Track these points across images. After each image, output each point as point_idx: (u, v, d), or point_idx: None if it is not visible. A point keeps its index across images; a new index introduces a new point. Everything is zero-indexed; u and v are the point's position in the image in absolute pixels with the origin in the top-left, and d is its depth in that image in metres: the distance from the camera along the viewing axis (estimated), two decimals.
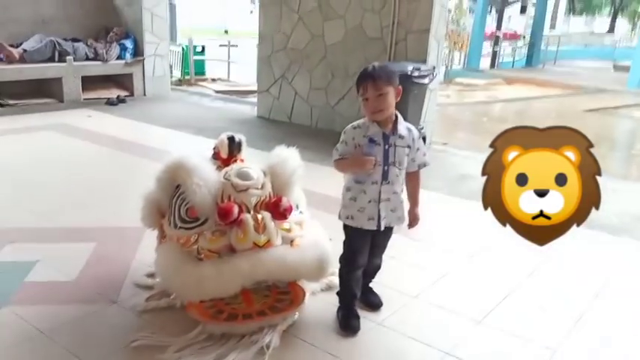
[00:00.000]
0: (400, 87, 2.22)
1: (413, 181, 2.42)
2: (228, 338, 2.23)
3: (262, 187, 2.43)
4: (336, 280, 2.74)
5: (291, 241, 2.43)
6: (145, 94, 8.06)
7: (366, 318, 2.46)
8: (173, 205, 2.48)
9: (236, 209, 2.30)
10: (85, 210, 3.60)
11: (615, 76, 16.34)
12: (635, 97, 12.50)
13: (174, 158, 2.45)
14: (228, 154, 2.66)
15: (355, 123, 2.34)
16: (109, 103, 7.34)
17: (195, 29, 25.80)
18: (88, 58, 7.46)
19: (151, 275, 2.71)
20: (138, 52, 7.93)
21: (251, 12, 16.10)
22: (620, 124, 9.98)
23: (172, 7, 14.50)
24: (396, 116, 2.27)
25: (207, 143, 5.60)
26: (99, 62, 7.52)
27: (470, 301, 2.66)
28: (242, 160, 2.71)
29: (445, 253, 3.22)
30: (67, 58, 7.14)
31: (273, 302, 2.43)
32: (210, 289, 2.21)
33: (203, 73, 13.32)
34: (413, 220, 2.44)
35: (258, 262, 2.22)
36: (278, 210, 2.39)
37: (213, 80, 11.43)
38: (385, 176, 2.28)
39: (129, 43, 7.80)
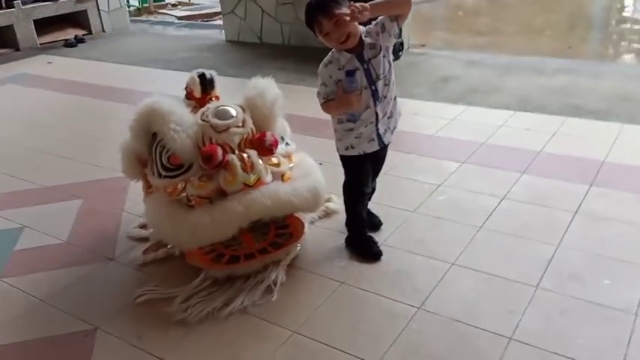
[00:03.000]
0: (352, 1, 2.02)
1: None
2: (233, 281, 2.21)
3: (243, 124, 2.32)
4: (332, 205, 2.72)
5: (282, 175, 2.36)
6: (103, 31, 7.61)
7: None
8: (153, 154, 2.37)
9: (220, 151, 2.20)
10: (64, 165, 3.47)
11: None
12: None
13: (146, 104, 2.31)
14: (201, 92, 2.51)
15: (325, 59, 2.21)
16: (68, 44, 6.92)
17: None
18: (36, 0, 6.94)
19: (144, 226, 2.66)
20: None
21: None
22: (595, 2, 9.71)
23: None
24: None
25: (177, 77, 5.39)
26: (49, 2, 7.01)
27: (469, 209, 2.65)
28: (217, 97, 2.58)
29: (437, 162, 3.17)
30: (15, 2, 6.64)
31: (273, 238, 2.39)
32: (206, 236, 2.16)
33: None
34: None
35: (251, 202, 2.16)
36: (263, 146, 2.30)
37: (174, 5, 10.81)
38: (376, 96, 2.16)
39: None
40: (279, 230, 2.43)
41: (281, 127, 2.57)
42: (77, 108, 4.67)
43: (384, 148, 2.36)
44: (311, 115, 4.02)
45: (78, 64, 6.13)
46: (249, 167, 2.21)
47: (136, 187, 2.92)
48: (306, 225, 2.51)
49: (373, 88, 2.15)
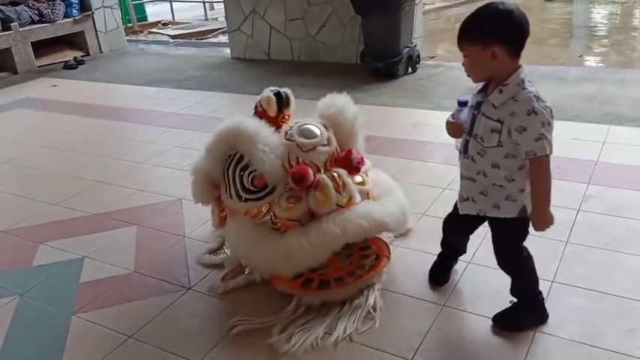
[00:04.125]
0: (499, 46, 1.63)
1: (530, 173, 1.73)
2: (328, 307, 2.10)
3: (329, 143, 2.25)
4: (409, 223, 2.64)
5: (367, 194, 2.29)
6: (101, 52, 7.45)
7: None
8: (230, 177, 2.27)
9: (311, 171, 2.12)
10: (105, 191, 3.32)
11: None
12: None
13: (229, 125, 2.21)
14: (277, 111, 2.43)
15: None
16: (68, 67, 6.74)
17: None
18: (33, 22, 6.76)
19: (213, 251, 2.54)
20: (85, 6, 7.23)
21: None
22: (591, 12, 9.95)
23: None
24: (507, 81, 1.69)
25: (193, 96, 5.30)
26: (46, 24, 6.83)
27: None
28: (289, 117, 2.49)
29: None
30: (12, 25, 6.44)
31: (358, 260, 2.30)
32: (303, 261, 2.06)
33: (145, 18, 12.47)
34: (535, 222, 1.78)
35: (347, 224, 2.07)
36: (351, 164, 2.22)
37: (165, 24, 10.68)
38: (465, 148, 1.86)
39: None
40: (362, 252, 2.34)
41: (360, 143, 2.50)
42: (97, 131, 4.50)
43: (479, 220, 1.94)
44: None
45: (84, 86, 5.96)
46: (341, 187, 2.14)
47: (191, 210, 2.82)
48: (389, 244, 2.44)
49: (467, 138, 1.84)
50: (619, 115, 3.85)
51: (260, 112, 2.49)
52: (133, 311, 2.20)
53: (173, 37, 9.18)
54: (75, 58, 6.97)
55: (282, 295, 2.17)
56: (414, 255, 2.45)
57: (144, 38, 9.27)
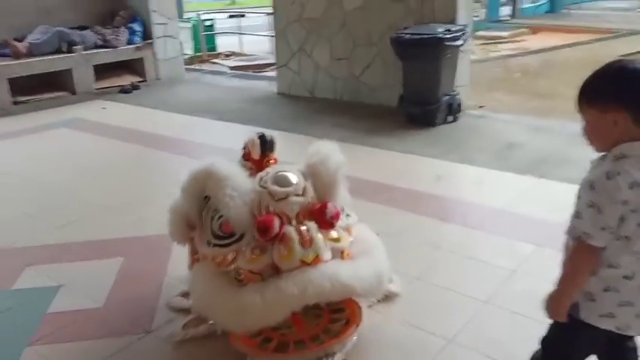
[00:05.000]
0: (621, 112, 1.35)
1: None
2: None
3: (304, 193, 2.11)
4: (392, 287, 2.44)
5: (342, 252, 2.12)
6: (158, 78, 7.72)
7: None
8: (203, 219, 2.19)
9: (277, 222, 1.99)
10: (109, 218, 3.33)
11: None
12: None
13: (201, 167, 2.14)
14: (260, 154, 2.33)
15: (605, 166, 1.38)
16: (123, 91, 7.02)
17: (202, 2, 25.18)
18: (97, 46, 7.12)
19: (186, 294, 2.43)
20: (147, 34, 7.56)
21: None
22: None
23: None
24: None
25: (230, 129, 5.33)
26: (109, 49, 7.18)
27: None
28: (275, 161, 2.39)
29: (510, 243, 2.87)
30: (76, 47, 6.81)
31: (326, 323, 2.14)
32: (255, 319, 1.92)
33: (214, 49, 12.94)
34: (545, 300, 1.52)
35: (308, 284, 1.91)
36: (324, 218, 2.07)
37: (227, 56, 11.03)
38: None
39: (137, 26, 7.43)
40: (333, 314, 2.17)
41: (342, 196, 2.35)
42: (127, 156, 4.60)
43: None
44: (366, 177, 3.82)
45: (131, 110, 6.17)
46: (307, 242, 1.98)
47: (181, 248, 2.74)
48: (364, 309, 2.25)
49: None
50: None
51: (247, 154, 2.41)
52: (85, 350, 2.13)
53: (231, 68, 9.43)
54: (132, 83, 7.26)
55: (239, 352, 2.03)
56: (394, 325, 2.24)
57: (205, 68, 9.58)
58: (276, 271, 2.00)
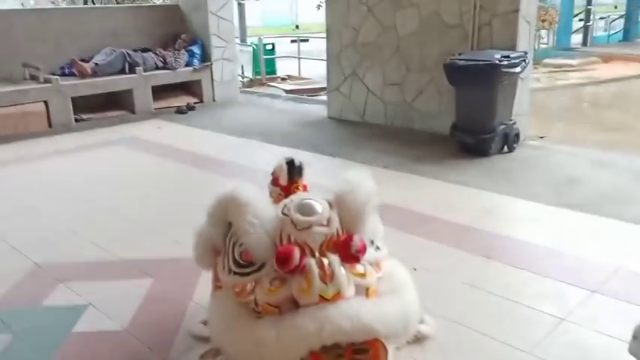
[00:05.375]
0: None
1: None
2: None
3: (328, 223, 2.00)
4: (424, 329, 2.27)
5: (367, 289, 1.98)
6: (214, 100, 7.88)
7: None
8: (227, 245, 2.12)
9: (297, 253, 1.88)
10: (146, 237, 3.34)
11: None
12: None
13: (225, 192, 2.07)
14: (288, 180, 2.25)
15: None
16: (179, 111, 7.20)
17: (267, 26, 25.86)
18: (157, 68, 7.36)
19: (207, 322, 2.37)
20: (206, 57, 7.75)
21: (318, 7, 15.76)
22: None
23: (241, 7, 14.44)
24: None
25: (276, 151, 5.32)
26: (168, 71, 7.40)
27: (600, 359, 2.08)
28: (304, 187, 2.31)
29: (561, 287, 2.63)
30: (137, 68, 7.07)
31: None
32: (269, 355, 1.81)
33: (274, 72, 13.17)
34: None
35: (326, 322, 1.79)
36: (349, 251, 1.95)
37: (283, 79, 11.17)
38: None
39: (196, 49, 7.63)
40: (356, 355, 2.01)
41: (372, 228, 2.22)
42: (174, 176, 4.65)
43: None
44: (408, 207, 3.66)
45: (184, 131, 6.29)
46: (328, 276, 1.86)
47: (209, 273, 2.69)
48: (391, 351, 2.09)
49: None
50: None
51: (275, 179, 2.33)
52: None
53: (287, 91, 9.54)
54: (188, 103, 7.43)
55: None
56: None
57: (261, 91, 9.73)
58: (295, 305, 1.89)
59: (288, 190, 2.25)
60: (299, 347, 1.79)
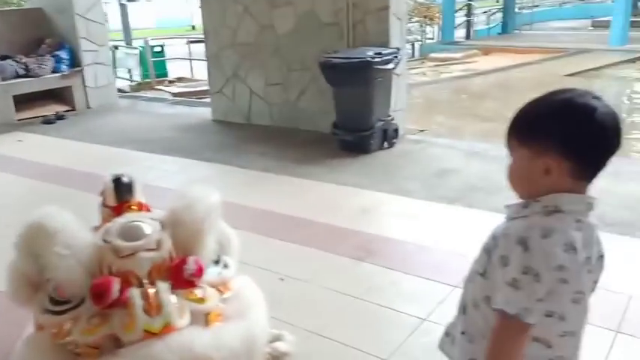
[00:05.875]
0: (557, 159, 1.04)
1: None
2: None
3: (158, 247, 1.77)
4: (281, 347, 2.11)
5: (207, 315, 1.77)
6: (88, 107, 7.30)
7: None
8: (43, 281, 1.82)
9: (117, 285, 1.64)
10: None
11: (595, 35, 15.74)
12: (618, 55, 11.92)
13: (31, 220, 1.77)
14: (116, 200, 1.99)
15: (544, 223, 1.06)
16: (46, 121, 6.58)
17: (161, 27, 24.83)
18: (18, 76, 6.68)
19: None
20: (76, 62, 7.15)
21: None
22: (608, 87, 9.38)
23: (123, 8, 13.66)
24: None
25: (150, 160, 4.97)
26: (32, 78, 6.74)
27: None
28: (141, 206, 2.05)
29: (426, 285, 2.57)
30: None
31: None
32: None
33: (165, 75, 12.57)
34: None
35: None
36: (182, 276, 1.73)
37: (171, 82, 10.68)
38: None
39: (64, 54, 7.01)
40: None
41: (219, 243, 2.02)
42: (32, 196, 4.17)
43: None
44: (284, 212, 3.51)
45: (49, 143, 5.74)
46: (154, 308, 1.64)
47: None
48: None
49: None
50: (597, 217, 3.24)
51: (104, 202, 2.06)
52: None
53: (174, 94, 9.08)
54: (57, 112, 6.82)
55: None
56: None
57: (146, 95, 9.20)
58: (118, 344, 1.64)
59: (119, 211, 1.98)
60: None
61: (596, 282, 1.17)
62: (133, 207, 2.01)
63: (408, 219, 3.38)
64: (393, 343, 2.13)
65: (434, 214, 3.43)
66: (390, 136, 4.89)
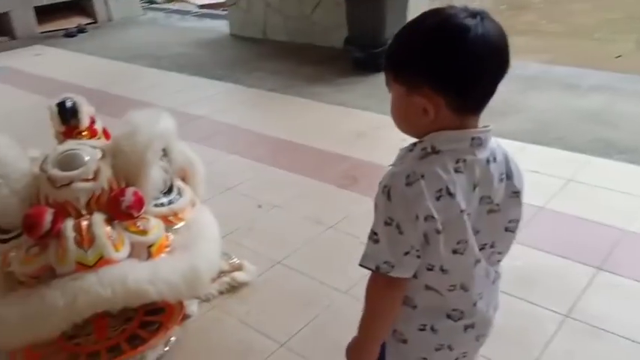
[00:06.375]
0: (430, 94, 0.89)
1: None
2: None
3: (95, 177, 1.71)
4: (240, 277, 2.09)
5: (149, 247, 1.74)
6: (110, 20, 7.19)
7: None
8: None
9: (48, 216, 1.61)
10: None
11: None
12: None
13: None
14: (63, 126, 1.93)
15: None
16: (67, 35, 6.53)
17: None
18: None
19: None
20: None
21: None
22: None
23: None
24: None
25: (159, 77, 4.89)
26: None
27: None
28: (93, 132, 1.98)
29: None
30: None
31: (135, 328, 1.79)
32: (13, 337, 1.58)
33: None
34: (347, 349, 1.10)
35: (79, 293, 1.55)
36: (119, 208, 1.69)
37: None
38: None
39: None
40: (147, 316, 1.82)
41: (182, 170, 1.99)
42: (30, 111, 4.17)
43: None
44: (278, 136, 3.40)
45: (64, 57, 5.71)
46: (86, 241, 1.61)
47: None
48: (191, 308, 1.91)
49: None
50: (610, 143, 2.98)
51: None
52: None
53: (200, 6, 8.80)
54: (78, 25, 6.76)
55: None
56: (228, 324, 1.91)
57: (171, 7, 8.96)
58: (54, 276, 1.64)
59: (69, 137, 1.93)
60: (47, 326, 1.56)
61: (513, 221, 1.03)
62: (83, 133, 1.95)
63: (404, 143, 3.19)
64: (355, 275, 2.07)
65: None
66: None
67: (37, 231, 1.59)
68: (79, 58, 5.64)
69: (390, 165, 0.98)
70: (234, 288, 2.06)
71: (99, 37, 6.45)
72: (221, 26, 6.62)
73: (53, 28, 6.71)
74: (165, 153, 1.97)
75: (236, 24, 6.13)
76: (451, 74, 0.87)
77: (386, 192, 0.91)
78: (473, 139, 0.93)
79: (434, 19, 0.89)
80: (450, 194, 0.90)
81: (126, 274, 1.61)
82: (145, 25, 7.13)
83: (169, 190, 1.92)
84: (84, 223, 1.63)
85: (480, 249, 0.99)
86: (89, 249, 1.61)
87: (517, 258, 1.80)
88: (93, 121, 2.01)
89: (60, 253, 1.60)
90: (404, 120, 0.97)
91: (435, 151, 0.92)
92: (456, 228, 0.93)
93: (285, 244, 2.31)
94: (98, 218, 1.65)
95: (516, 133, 3.11)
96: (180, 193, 1.96)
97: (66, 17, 6.94)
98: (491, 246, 1.02)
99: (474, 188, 0.94)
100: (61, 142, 1.95)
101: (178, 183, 2.00)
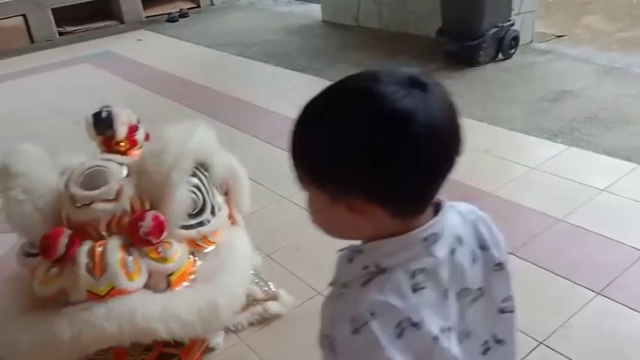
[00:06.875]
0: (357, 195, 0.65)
1: None
2: None
3: (117, 197, 1.61)
4: (273, 308, 1.92)
5: (169, 276, 1.62)
6: (212, 4, 7.28)
7: None
8: None
9: (64, 239, 1.54)
10: None
11: None
12: None
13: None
14: (99, 137, 1.84)
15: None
16: (170, 19, 6.70)
17: None
18: None
19: None
20: None
21: None
22: None
23: None
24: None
25: (244, 66, 4.82)
26: None
27: None
28: (129, 141, 1.88)
29: None
30: None
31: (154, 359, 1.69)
32: None
33: None
34: None
35: (86, 326, 1.46)
36: (136, 233, 1.57)
37: None
38: None
39: None
40: (166, 348, 1.71)
41: (225, 184, 1.86)
42: (117, 98, 4.30)
43: None
44: None
45: (162, 43, 5.85)
46: (98, 269, 1.51)
47: None
48: (216, 340, 1.78)
49: None
50: None
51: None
52: None
53: None
54: (181, 10, 6.91)
55: None
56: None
57: None
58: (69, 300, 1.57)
59: (109, 148, 1.85)
60: (55, 356, 1.49)
61: (506, 299, 0.78)
62: (121, 143, 1.85)
63: (493, 158, 2.80)
64: None
65: (528, 151, 2.81)
66: (505, 45, 4.11)
67: (52, 254, 1.52)
68: (175, 45, 5.74)
69: (329, 284, 0.73)
70: (265, 320, 1.89)
71: (197, 23, 6.54)
72: (315, 11, 6.43)
73: (159, 13, 6.92)
74: (205, 167, 1.84)
75: (329, 10, 5.92)
76: (390, 184, 0.63)
77: (328, 344, 0.67)
78: (425, 239, 0.68)
79: (362, 104, 0.63)
80: (414, 324, 0.65)
81: (135, 309, 1.50)
82: (244, 10, 7.13)
83: (201, 210, 1.78)
84: (98, 250, 1.54)
85: (484, 352, 0.76)
86: (100, 277, 1.51)
87: None
88: (133, 131, 1.92)
89: (73, 279, 1.53)
90: (332, 229, 0.73)
91: (381, 270, 0.67)
92: (432, 350, 0.67)
93: (332, 271, 2.10)
94: (113, 244, 1.55)
95: (624, 150, 2.63)
96: (214, 212, 1.81)
97: (171, 1, 7.12)
98: (497, 340, 0.78)
99: (446, 295, 0.69)
100: (102, 151, 1.89)
101: (218, 199, 1.86)
